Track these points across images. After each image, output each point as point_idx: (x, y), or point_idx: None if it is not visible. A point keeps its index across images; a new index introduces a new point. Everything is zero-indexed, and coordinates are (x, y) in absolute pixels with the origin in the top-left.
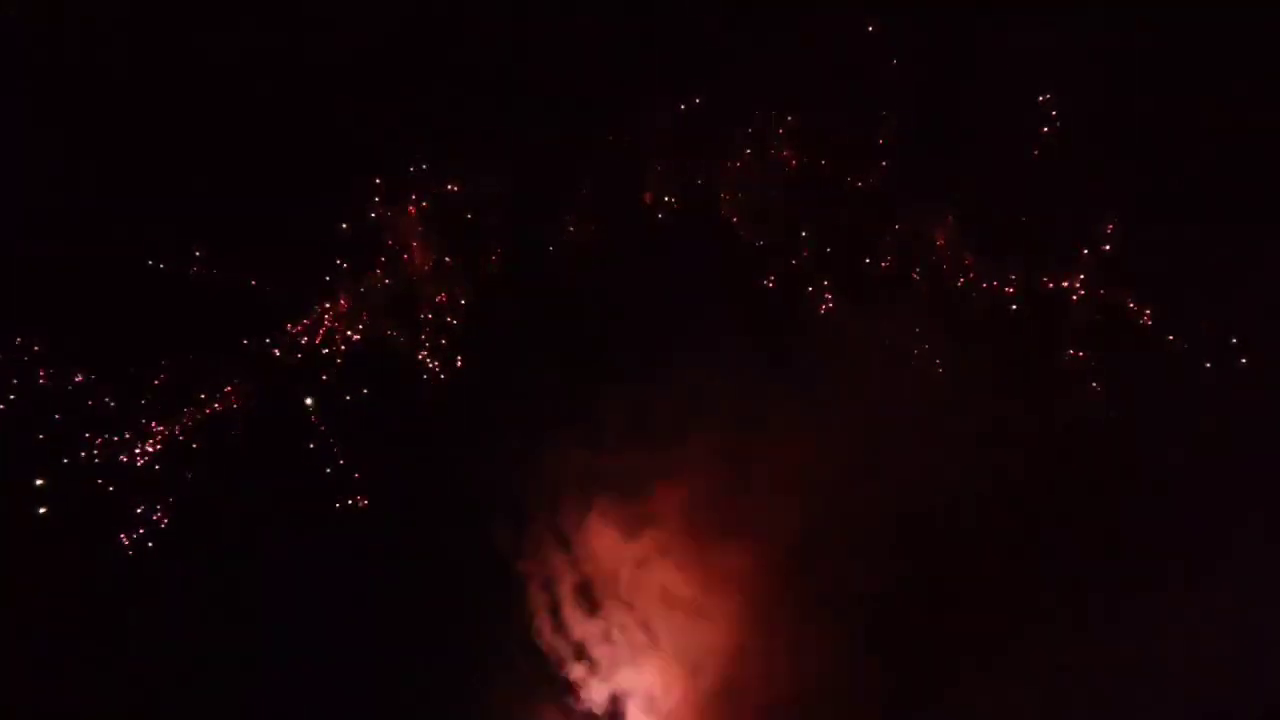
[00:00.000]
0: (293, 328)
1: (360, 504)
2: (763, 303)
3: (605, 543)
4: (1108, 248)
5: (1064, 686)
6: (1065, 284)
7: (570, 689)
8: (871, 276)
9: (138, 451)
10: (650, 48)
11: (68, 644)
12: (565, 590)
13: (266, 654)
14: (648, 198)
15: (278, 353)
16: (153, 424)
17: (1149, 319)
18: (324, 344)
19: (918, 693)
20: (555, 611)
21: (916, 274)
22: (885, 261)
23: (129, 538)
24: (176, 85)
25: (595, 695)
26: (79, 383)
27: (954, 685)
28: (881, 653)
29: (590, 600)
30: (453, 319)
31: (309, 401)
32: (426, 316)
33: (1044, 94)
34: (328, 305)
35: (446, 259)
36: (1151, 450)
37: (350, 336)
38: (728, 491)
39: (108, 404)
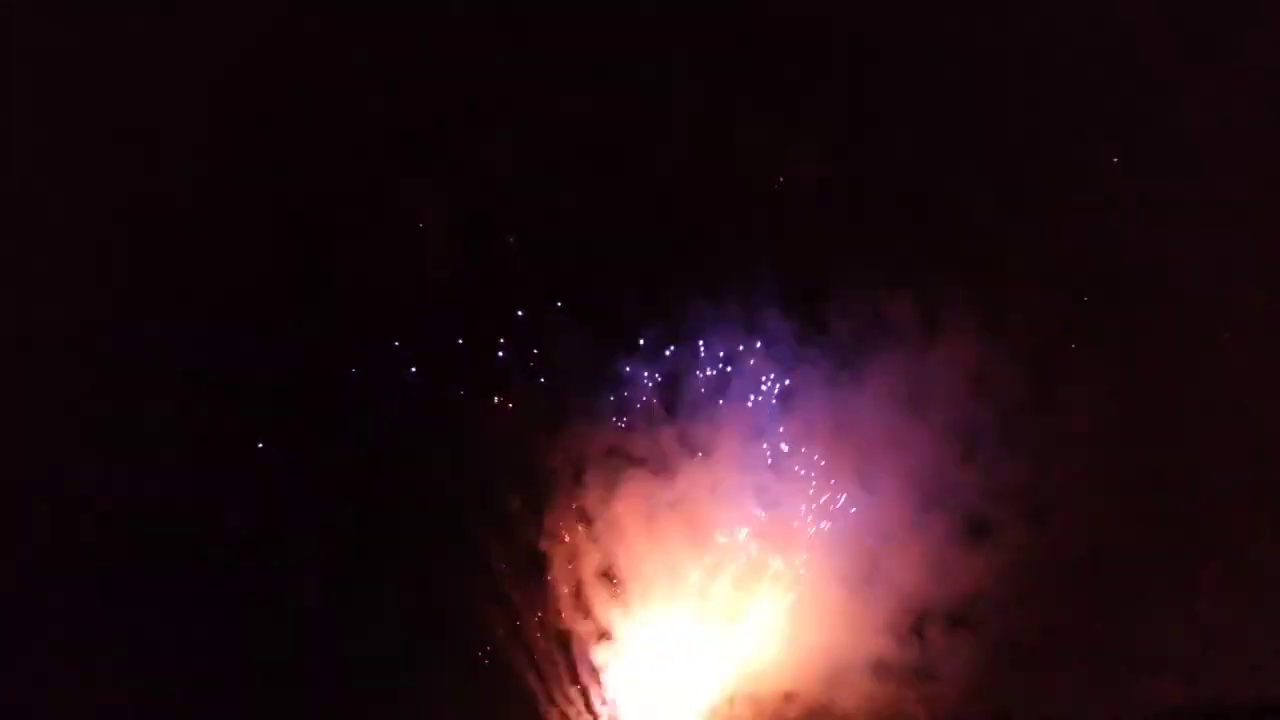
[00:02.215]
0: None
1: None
2: (797, 278)
3: (631, 523)
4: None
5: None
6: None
7: (594, 673)
8: (906, 251)
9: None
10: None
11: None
12: (589, 572)
13: (269, 647)
14: (679, 170)
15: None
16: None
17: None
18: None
19: (948, 682)
20: (578, 593)
21: (954, 249)
22: (920, 235)
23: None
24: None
25: (620, 680)
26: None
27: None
28: (919, 639)
29: (615, 582)
30: (473, 294)
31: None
32: (444, 292)
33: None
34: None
35: (467, 231)
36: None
37: (364, 316)
38: (758, 470)
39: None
